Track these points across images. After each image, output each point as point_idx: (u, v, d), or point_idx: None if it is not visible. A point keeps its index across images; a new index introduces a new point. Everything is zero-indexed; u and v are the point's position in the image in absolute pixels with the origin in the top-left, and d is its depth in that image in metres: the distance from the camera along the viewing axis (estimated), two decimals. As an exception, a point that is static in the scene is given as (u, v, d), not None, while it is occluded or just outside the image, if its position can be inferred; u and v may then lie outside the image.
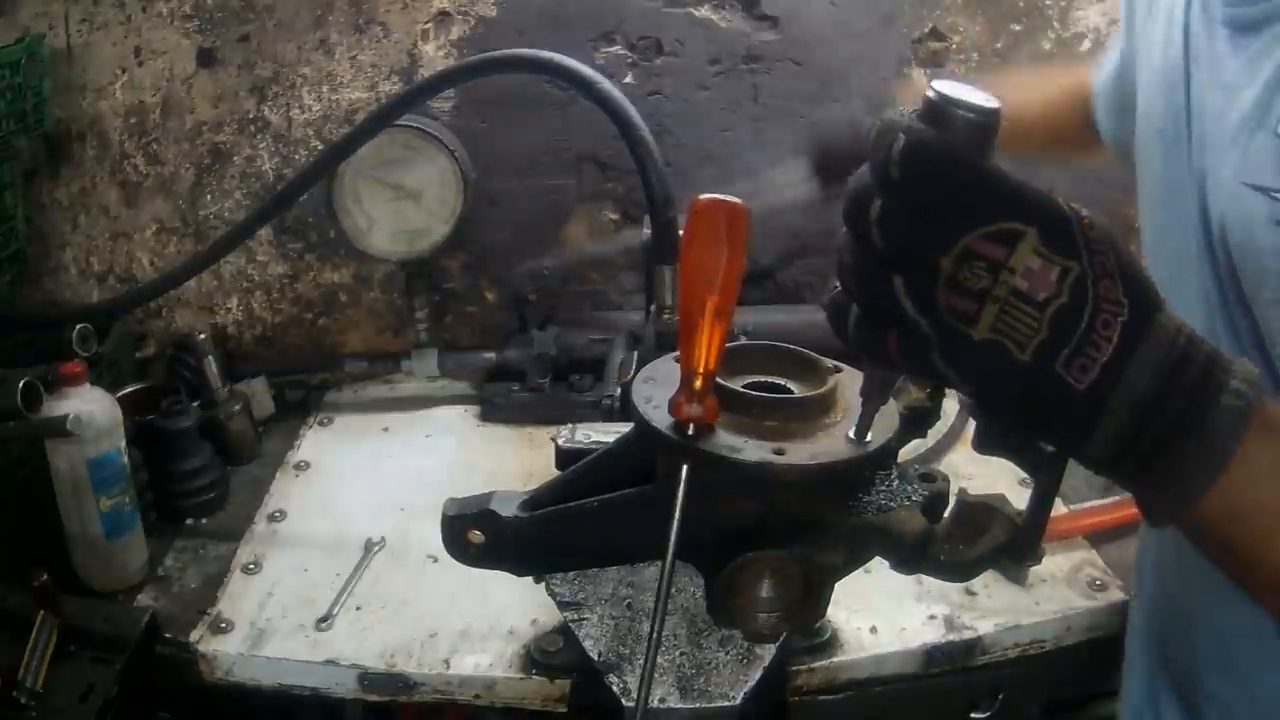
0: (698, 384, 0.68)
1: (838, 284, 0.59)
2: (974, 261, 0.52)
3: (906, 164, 0.53)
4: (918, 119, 0.54)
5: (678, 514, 0.68)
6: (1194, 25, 0.85)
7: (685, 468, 0.69)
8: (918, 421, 0.81)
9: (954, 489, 0.75)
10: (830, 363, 0.78)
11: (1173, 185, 0.87)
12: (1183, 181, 0.85)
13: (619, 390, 1.35)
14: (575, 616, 1.05)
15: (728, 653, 1.01)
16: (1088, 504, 1.33)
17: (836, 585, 0.75)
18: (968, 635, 1.16)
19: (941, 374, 0.56)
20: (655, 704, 0.96)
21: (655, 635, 0.68)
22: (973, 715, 1.21)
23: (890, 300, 0.55)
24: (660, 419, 0.71)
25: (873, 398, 0.68)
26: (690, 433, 0.70)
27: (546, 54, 1.37)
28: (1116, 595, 1.21)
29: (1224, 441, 0.54)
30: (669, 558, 0.68)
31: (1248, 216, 0.75)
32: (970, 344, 0.54)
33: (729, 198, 0.64)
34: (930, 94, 0.54)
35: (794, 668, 1.12)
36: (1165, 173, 0.89)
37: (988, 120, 0.54)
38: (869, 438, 0.71)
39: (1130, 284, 0.54)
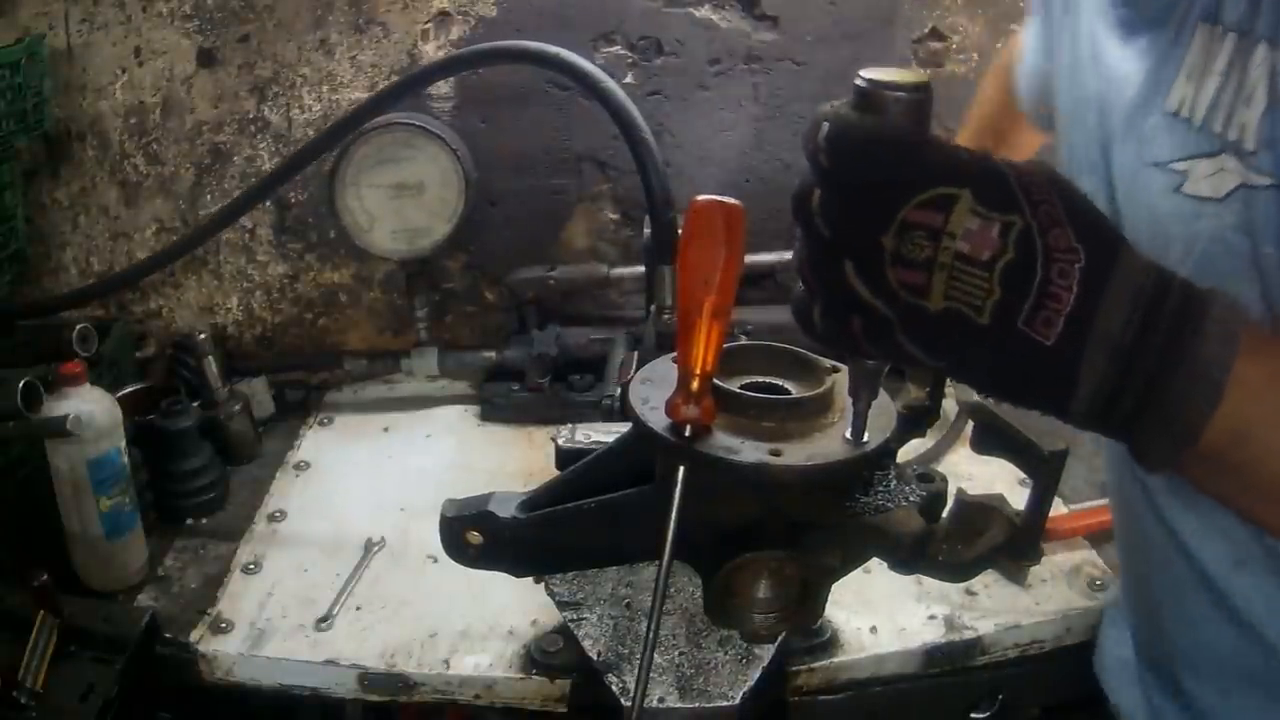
0: (695, 385, 0.69)
1: (800, 284, 0.59)
2: (913, 232, 0.52)
3: (833, 149, 0.53)
4: (850, 107, 0.55)
5: (674, 515, 0.68)
6: (1094, 26, 0.87)
7: (682, 469, 0.69)
8: (916, 421, 0.81)
9: (953, 489, 0.75)
10: (828, 363, 0.78)
11: (1082, 178, 0.88)
12: (1090, 174, 0.86)
13: (619, 390, 1.35)
14: (574, 616, 1.05)
15: (727, 653, 1.01)
16: (1087, 504, 1.32)
17: (836, 585, 0.76)
18: (968, 635, 1.16)
19: (909, 354, 0.55)
20: (655, 704, 0.96)
21: (652, 635, 0.68)
22: (973, 715, 1.21)
23: (846, 286, 0.55)
24: (657, 420, 0.72)
25: (861, 395, 0.68)
26: (687, 434, 0.70)
27: (552, 48, 1.38)
28: (1116, 595, 1.20)
29: (1218, 370, 0.53)
30: (665, 558, 0.68)
31: (1149, 193, 0.77)
32: (928, 317, 0.53)
33: (726, 198, 0.64)
34: (859, 82, 0.55)
35: (794, 668, 1.12)
36: (1074, 165, 0.91)
37: (919, 97, 0.55)
38: (866, 438, 0.71)
39: (1084, 229, 0.53)
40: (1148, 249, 0.79)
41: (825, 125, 0.54)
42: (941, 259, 0.52)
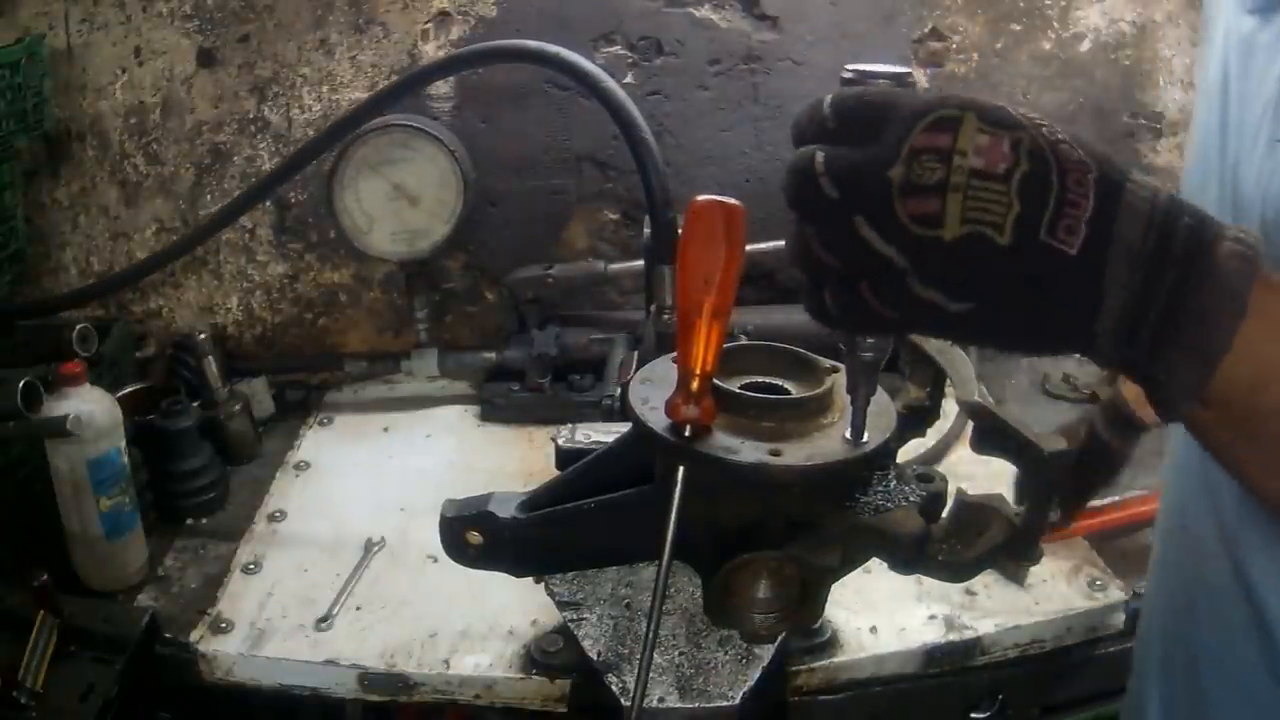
0: (695, 385, 0.68)
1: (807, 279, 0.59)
2: (922, 156, 0.52)
3: (838, 106, 0.55)
4: None
5: (674, 515, 0.68)
6: (1230, 31, 0.84)
7: (682, 469, 0.69)
8: (916, 420, 0.81)
9: (953, 489, 0.75)
10: (828, 363, 0.77)
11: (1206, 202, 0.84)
12: (1212, 192, 0.82)
13: (619, 390, 1.35)
14: (574, 616, 1.05)
15: (727, 653, 1.01)
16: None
17: (836, 585, 0.75)
18: (968, 635, 1.16)
19: (926, 302, 0.54)
20: (654, 704, 0.96)
21: (651, 635, 0.68)
22: (973, 715, 1.21)
23: (858, 244, 0.54)
24: (657, 420, 0.71)
25: (859, 391, 0.68)
26: (687, 434, 0.70)
27: (552, 47, 1.38)
28: (1116, 595, 1.21)
29: (1237, 284, 0.52)
30: (665, 558, 0.68)
31: (1277, 171, 0.73)
32: (945, 250, 0.52)
33: (726, 198, 0.64)
34: (845, 74, 0.58)
35: (794, 668, 1.12)
36: (1199, 191, 0.86)
37: (901, 83, 0.57)
38: (865, 437, 0.71)
39: (1089, 148, 0.53)
40: (1268, 233, 0.72)
41: (827, 98, 0.56)
42: (955, 179, 0.51)
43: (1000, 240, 0.51)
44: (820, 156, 0.54)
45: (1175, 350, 0.53)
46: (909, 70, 0.58)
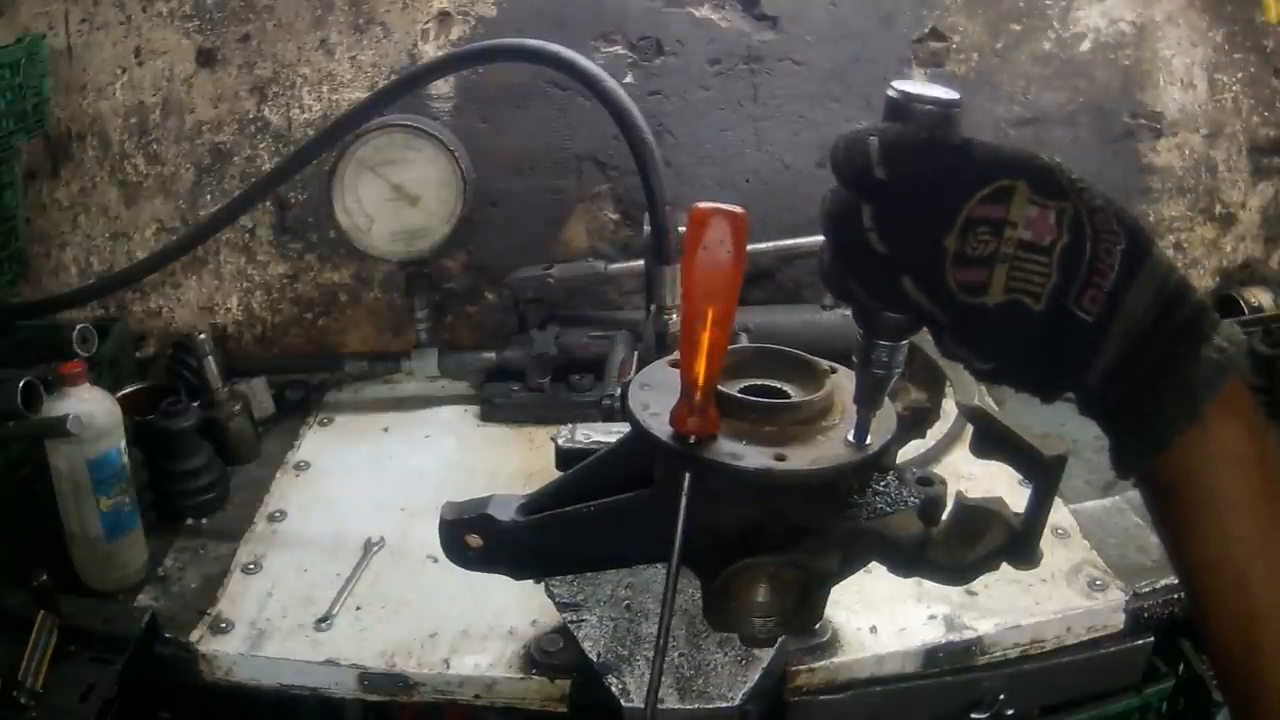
0: (699, 396, 0.68)
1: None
2: (977, 228, 0.54)
3: (889, 160, 0.54)
4: (883, 119, 0.57)
5: (681, 522, 0.68)
6: None
7: (688, 476, 0.69)
8: (916, 422, 0.81)
9: (952, 491, 0.75)
10: (826, 364, 0.78)
11: None
12: None
13: (619, 390, 1.35)
14: (574, 618, 1.05)
15: (726, 654, 1.01)
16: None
17: (836, 586, 0.76)
18: (968, 635, 1.16)
19: (955, 357, 0.57)
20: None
21: (663, 640, 0.67)
22: (973, 715, 1.21)
23: (902, 298, 0.56)
24: (660, 427, 0.71)
25: (866, 404, 0.68)
26: (691, 440, 0.70)
27: (552, 46, 1.38)
28: (1116, 595, 1.21)
29: (1200, 391, 0.55)
30: (674, 564, 0.67)
31: None
32: (984, 313, 0.55)
33: (728, 206, 0.64)
34: (891, 93, 0.58)
35: (794, 668, 1.12)
36: None
37: (948, 111, 0.57)
38: (868, 440, 0.71)
39: (1123, 216, 0.55)
40: None
41: (873, 140, 0.55)
42: (1004, 250, 0.54)
43: (1035, 307, 0.54)
44: (869, 212, 0.55)
45: (1132, 422, 0.57)
46: (957, 97, 0.57)
